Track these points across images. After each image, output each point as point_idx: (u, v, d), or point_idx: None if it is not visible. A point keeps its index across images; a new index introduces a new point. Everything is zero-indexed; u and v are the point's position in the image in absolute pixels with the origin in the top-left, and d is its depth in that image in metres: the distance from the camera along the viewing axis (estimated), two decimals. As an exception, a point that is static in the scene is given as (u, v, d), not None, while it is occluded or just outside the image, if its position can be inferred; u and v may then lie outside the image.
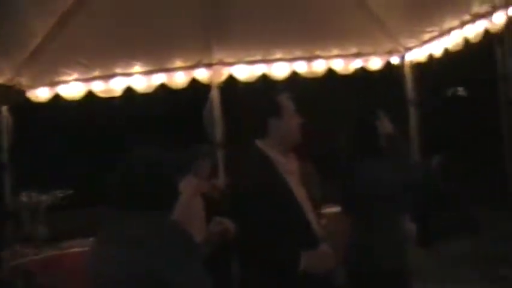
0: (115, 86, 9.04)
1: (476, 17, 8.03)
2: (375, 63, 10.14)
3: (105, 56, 8.73)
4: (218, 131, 9.25)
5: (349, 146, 4.80)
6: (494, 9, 7.74)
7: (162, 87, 9.23)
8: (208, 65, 9.37)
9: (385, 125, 4.66)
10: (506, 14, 7.61)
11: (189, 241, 2.82)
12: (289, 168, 3.69)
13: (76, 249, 7.18)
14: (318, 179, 6.28)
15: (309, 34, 9.28)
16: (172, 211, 2.89)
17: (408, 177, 4.59)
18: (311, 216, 3.66)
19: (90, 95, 8.95)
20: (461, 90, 7.27)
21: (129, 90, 9.09)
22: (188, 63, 9.29)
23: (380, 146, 4.61)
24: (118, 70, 9.01)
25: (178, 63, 9.23)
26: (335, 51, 9.90)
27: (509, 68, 8.30)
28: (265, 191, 3.43)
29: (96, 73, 8.92)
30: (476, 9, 7.95)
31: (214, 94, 9.39)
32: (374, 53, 10.08)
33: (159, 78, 9.23)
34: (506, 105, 8.62)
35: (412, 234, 4.82)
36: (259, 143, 3.66)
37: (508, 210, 8.68)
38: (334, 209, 6.17)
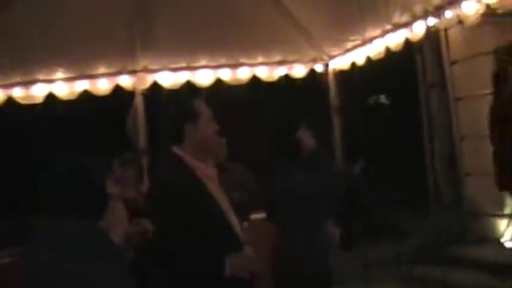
0: (36, 93, 8.79)
1: (397, 26, 8.24)
2: (299, 70, 10.25)
3: (26, 61, 8.50)
4: (142, 138, 9.15)
5: (270, 154, 4.84)
6: (414, 19, 7.96)
7: (86, 94, 9.05)
8: (133, 72, 9.25)
9: (307, 139, 4.70)
10: (426, 23, 7.85)
11: (114, 247, 2.80)
12: (208, 173, 3.68)
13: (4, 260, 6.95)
14: (253, 180, 6.32)
15: (234, 41, 9.32)
16: (100, 218, 2.85)
17: (330, 186, 4.65)
18: (233, 220, 3.66)
19: (10, 101, 8.68)
20: (383, 98, 7.43)
21: (51, 97, 8.87)
22: (112, 70, 9.15)
23: (301, 155, 4.65)
24: (40, 76, 8.78)
25: (102, 69, 9.08)
26: (260, 59, 9.95)
27: (429, 76, 8.55)
28: (183, 196, 3.41)
29: (17, 79, 8.67)
30: (397, 19, 8.16)
31: (138, 101, 9.28)
32: (298, 61, 10.20)
33: (82, 85, 9.04)
34: (427, 111, 8.85)
35: (336, 239, 4.88)
36: (176, 149, 3.63)
37: (428, 213, 8.92)
38: (260, 215, 6.21)
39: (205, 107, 3.68)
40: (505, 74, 6.32)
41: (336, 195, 4.74)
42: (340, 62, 10.04)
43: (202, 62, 9.58)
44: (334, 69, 10.27)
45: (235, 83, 9.91)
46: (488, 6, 6.98)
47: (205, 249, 3.37)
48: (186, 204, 3.37)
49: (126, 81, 9.28)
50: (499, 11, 7.02)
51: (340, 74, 10.25)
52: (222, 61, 9.72)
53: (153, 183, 4.00)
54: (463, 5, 7.26)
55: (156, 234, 3.35)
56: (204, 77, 9.64)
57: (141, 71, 9.27)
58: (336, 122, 10.34)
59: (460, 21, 7.54)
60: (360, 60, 9.31)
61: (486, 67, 7.37)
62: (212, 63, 9.66)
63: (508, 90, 6.22)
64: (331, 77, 10.35)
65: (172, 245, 3.37)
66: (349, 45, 9.46)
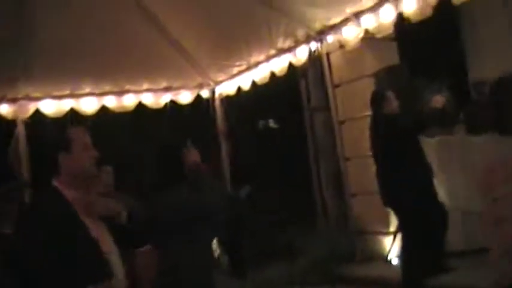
0: None
1: (281, 51, 8.38)
2: (185, 96, 10.22)
3: None
4: (24, 169, 8.77)
5: (153, 176, 4.77)
6: (297, 44, 8.13)
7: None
8: (13, 100, 8.90)
9: (191, 156, 4.68)
10: (309, 48, 8.03)
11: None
12: (85, 203, 3.57)
13: None
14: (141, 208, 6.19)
15: (119, 68, 9.15)
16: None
17: (214, 206, 4.63)
18: (108, 249, 3.55)
19: None
20: (272, 122, 7.53)
21: None
22: (-9, 98, 8.77)
23: (183, 176, 4.62)
24: None
25: (-21, 98, 8.69)
26: (145, 85, 9.84)
27: (313, 100, 8.73)
28: (53, 230, 3.28)
29: None
30: (281, 44, 8.30)
31: (20, 130, 8.91)
32: (184, 87, 10.17)
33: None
34: (312, 134, 9.02)
35: (224, 265, 4.88)
36: (55, 180, 3.49)
37: (316, 234, 9.05)
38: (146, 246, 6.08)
39: (82, 134, 3.55)
40: (383, 97, 6.54)
41: (220, 215, 4.71)
42: (226, 87, 10.10)
43: (87, 90, 9.36)
44: (221, 95, 10.32)
45: (121, 110, 9.74)
46: (367, 31, 7.24)
47: (73, 280, 3.26)
48: (53, 237, 3.24)
49: (6, 109, 8.91)
50: (378, 35, 7.28)
51: (227, 99, 10.30)
52: (107, 88, 9.54)
53: (20, 217, 3.83)
54: (344, 30, 7.50)
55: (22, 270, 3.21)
56: (88, 105, 9.42)
57: (23, 98, 8.93)
58: (224, 146, 10.37)
59: (342, 46, 7.76)
60: (246, 85, 9.40)
61: (367, 90, 7.60)
62: (97, 91, 9.45)
63: (386, 111, 6.44)
64: (217, 102, 10.39)
65: (38, 280, 3.24)
66: (235, 70, 9.53)
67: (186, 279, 4.48)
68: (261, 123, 7.81)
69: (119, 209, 3.73)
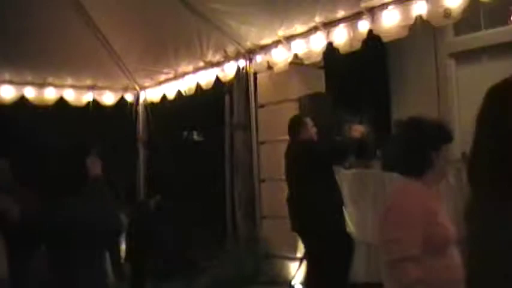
0: None
1: (209, 64, 8.32)
2: (109, 98, 10.01)
3: None
4: None
5: (56, 183, 4.59)
6: (226, 59, 8.09)
7: None
8: None
9: (95, 167, 4.55)
10: (237, 65, 8.01)
11: None
12: None
13: None
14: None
15: (43, 60, 8.86)
16: None
17: (109, 219, 4.51)
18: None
19: None
20: (195, 134, 7.48)
21: None
22: None
23: (84, 182, 4.48)
24: None
25: None
26: (69, 81, 9.58)
27: (235, 117, 8.68)
28: None
29: None
30: (210, 57, 8.25)
31: None
32: (108, 88, 9.96)
33: None
34: (231, 152, 8.97)
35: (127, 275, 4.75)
36: None
37: (224, 252, 8.98)
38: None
39: None
40: (300, 122, 6.53)
41: (115, 228, 4.58)
42: (152, 94, 9.97)
43: (5, 77, 9.03)
44: (145, 100, 10.16)
45: (40, 103, 9.43)
46: (296, 56, 7.27)
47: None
48: None
49: None
50: (306, 61, 7.32)
51: (151, 106, 10.15)
52: (28, 78, 9.22)
53: None
54: (274, 51, 7.51)
55: None
56: (6, 93, 9.09)
57: None
58: (141, 154, 10.21)
59: (270, 67, 7.76)
60: (171, 94, 9.29)
61: (290, 113, 7.59)
62: (16, 79, 9.12)
63: (302, 137, 6.43)
64: (141, 107, 10.22)
65: None
66: (162, 77, 9.42)
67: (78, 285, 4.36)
68: (185, 134, 7.74)
69: (10, 205, 3.57)
